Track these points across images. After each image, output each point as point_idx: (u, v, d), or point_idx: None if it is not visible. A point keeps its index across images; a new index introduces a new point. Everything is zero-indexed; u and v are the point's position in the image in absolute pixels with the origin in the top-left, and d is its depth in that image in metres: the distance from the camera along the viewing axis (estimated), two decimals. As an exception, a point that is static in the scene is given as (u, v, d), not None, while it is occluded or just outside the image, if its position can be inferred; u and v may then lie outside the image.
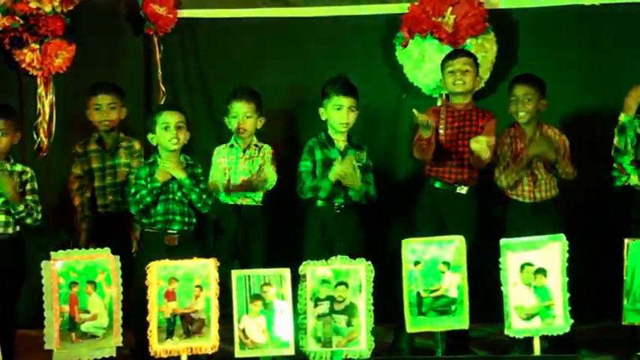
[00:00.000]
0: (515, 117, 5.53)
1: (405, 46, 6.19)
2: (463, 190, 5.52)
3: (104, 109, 5.82)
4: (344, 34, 6.43)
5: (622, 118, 5.40)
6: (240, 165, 5.68)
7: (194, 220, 5.38)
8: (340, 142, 5.53)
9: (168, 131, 5.28)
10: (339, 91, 5.46)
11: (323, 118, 5.55)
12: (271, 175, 5.67)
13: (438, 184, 5.55)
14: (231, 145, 5.72)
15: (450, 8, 6.16)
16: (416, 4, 6.22)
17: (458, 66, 5.54)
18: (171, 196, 5.31)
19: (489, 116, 5.56)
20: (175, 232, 5.31)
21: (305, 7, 6.50)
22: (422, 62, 6.18)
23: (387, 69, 6.40)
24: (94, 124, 5.88)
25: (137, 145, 5.90)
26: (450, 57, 5.64)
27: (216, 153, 5.75)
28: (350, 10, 6.43)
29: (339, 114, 5.48)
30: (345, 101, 5.46)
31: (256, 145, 5.73)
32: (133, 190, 5.32)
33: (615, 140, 5.42)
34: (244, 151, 5.70)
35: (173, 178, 5.28)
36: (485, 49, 6.16)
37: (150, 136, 5.38)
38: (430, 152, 5.46)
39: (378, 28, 6.42)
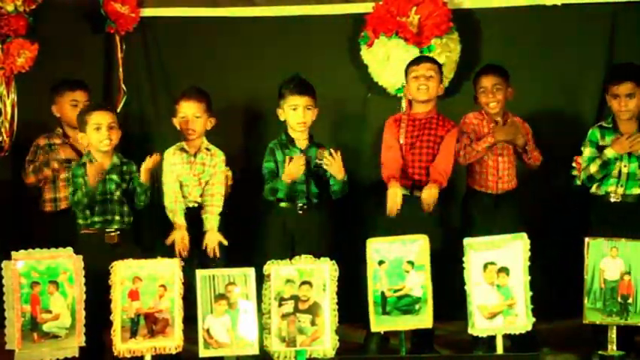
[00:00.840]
0: (486, 108, 5.56)
1: (371, 45, 6.21)
2: (420, 192, 5.53)
3: (81, 107, 5.79)
4: (309, 33, 6.42)
5: (609, 154, 5.37)
6: (191, 171, 5.55)
7: (131, 220, 5.32)
8: (301, 141, 5.52)
9: (99, 132, 5.22)
10: (293, 91, 5.45)
11: (281, 119, 5.54)
12: (218, 200, 5.55)
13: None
14: (181, 149, 5.58)
15: (415, 8, 6.19)
16: (380, 3, 6.24)
17: (422, 71, 5.54)
18: (109, 197, 5.25)
19: (450, 126, 5.58)
20: (114, 230, 5.25)
21: (270, 6, 6.48)
22: (387, 62, 6.20)
23: (352, 68, 6.40)
24: (61, 120, 5.86)
25: None
26: (413, 63, 5.64)
27: (166, 160, 5.55)
28: (315, 9, 6.42)
29: (295, 114, 5.46)
30: (301, 101, 5.45)
31: (207, 149, 5.60)
32: (71, 190, 5.25)
33: (593, 170, 5.42)
34: (195, 155, 5.57)
35: (108, 179, 5.24)
36: (449, 48, 6.19)
37: (80, 135, 5.31)
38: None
39: (343, 27, 6.41)
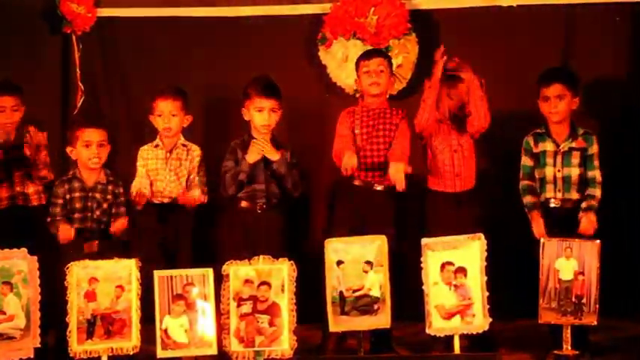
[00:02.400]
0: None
1: (329, 46, 6.22)
2: (380, 186, 5.55)
3: (7, 112, 5.71)
4: (268, 33, 6.41)
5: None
6: (167, 167, 5.60)
7: (110, 237, 5.30)
8: None
9: (89, 149, 5.20)
10: (260, 92, 5.45)
11: (245, 119, 5.54)
12: (197, 192, 5.59)
13: (355, 182, 5.57)
14: (156, 145, 5.66)
15: (373, 9, 6.21)
16: (338, 4, 6.25)
17: (373, 67, 5.56)
18: (89, 215, 5.21)
19: (403, 114, 5.61)
20: (92, 241, 5.23)
21: (228, 6, 6.47)
22: (345, 62, 6.22)
23: (310, 69, 6.40)
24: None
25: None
26: (364, 57, 5.65)
27: (140, 156, 5.65)
28: (273, 10, 6.42)
29: (260, 115, 5.46)
30: (267, 103, 5.45)
31: (184, 145, 5.67)
32: (51, 211, 5.23)
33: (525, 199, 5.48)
34: (170, 152, 5.64)
35: (91, 196, 5.19)
36: (407, 49, 6.23)
37: (69, 149, 5.27)
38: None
39: (301, 28, 6.42)
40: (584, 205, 5.34)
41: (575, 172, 5.40)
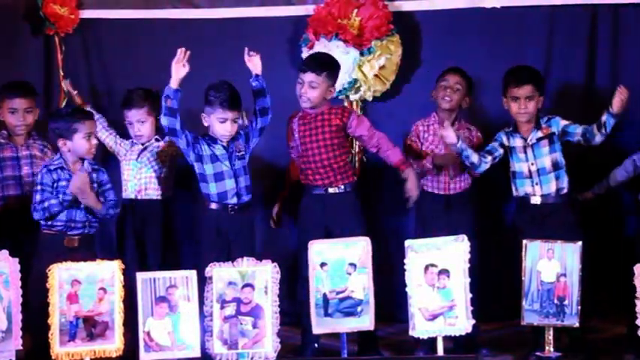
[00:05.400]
0: (440, 102, 5.64)
1: (311, 48, 6.22)
2: (335, 189, 5.51)
3: (20, 113, 5.67)
4: (250, 35, 6.39)
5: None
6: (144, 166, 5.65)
7: (96, 225, 5.27)
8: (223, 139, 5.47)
9: (89, 140, 5.16)
10: (224, 105, 5.34)
11: (205, 124, 5.45)
12: None
13: (312, 189, 5.54)
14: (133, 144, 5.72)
15: (356, 10, 6.22)
16: (321, 5, 6.26)
17: (302, 82, 5.49)
18: (75, 206, 5.18)
19: (344, 111, 5.55)
20: (75, 234, 5.19)
21: (211, 8, 6.46)
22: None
23: (293, 70, 6.39)
24: (5, 125, 5.74)
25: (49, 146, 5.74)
26: (300, 69, 5.55)
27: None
28: (256, 11, 6.42)
29: (222, 126, 5.37)
30: (230, 115, 5.36)
31: (157, 140, 5.72)
32: (38, 198, 5.11)
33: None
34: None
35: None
36: (390, 50, 6.22)
37: (61, 142, 5.18)
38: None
39: (284, 29, 6.42)
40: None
41: (547, 161, 5.47)
